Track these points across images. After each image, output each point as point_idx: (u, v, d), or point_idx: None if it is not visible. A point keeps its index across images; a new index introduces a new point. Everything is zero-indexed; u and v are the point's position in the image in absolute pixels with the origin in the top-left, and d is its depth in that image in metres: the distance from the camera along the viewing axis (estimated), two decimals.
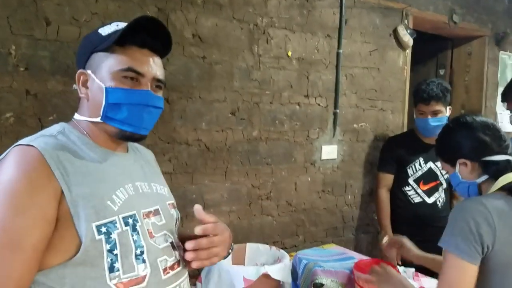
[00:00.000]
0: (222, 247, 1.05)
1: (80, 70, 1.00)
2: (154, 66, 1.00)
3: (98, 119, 0.97)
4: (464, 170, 1.34)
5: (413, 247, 1.72)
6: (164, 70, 1.05)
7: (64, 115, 1.64)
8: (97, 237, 0.86)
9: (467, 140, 1.33)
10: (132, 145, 1.15)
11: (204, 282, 1.74)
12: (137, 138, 1.02)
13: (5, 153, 0.89)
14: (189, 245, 0.97)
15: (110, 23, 1.01)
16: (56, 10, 1.65)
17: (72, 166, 0.88)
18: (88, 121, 0.99)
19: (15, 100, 1.60)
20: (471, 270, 1.17)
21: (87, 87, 0.99)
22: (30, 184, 0.83)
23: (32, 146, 0.87)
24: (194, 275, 1.91)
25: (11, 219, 0.81)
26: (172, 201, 1.13)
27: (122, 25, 0.99)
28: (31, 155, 0.86)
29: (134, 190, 0.98)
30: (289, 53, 2.32)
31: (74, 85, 1.03)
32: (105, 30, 0.99)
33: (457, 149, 1.35)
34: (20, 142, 0.89)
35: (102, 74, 0.96)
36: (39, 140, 0.89)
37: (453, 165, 1.36)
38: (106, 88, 0.95)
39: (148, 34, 0.98)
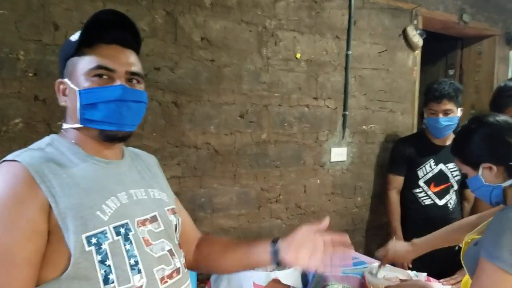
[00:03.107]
0: None
1: (58, 80, 1.00)
2: (126, 60, 0.97)
3: (79, 124, 0.96)
4: (488, 174, 1.27)
5: (406, 249, 1.67)
6: (140, 63, 1.01)
7: None
8: (87, 248, 0.84)
9: (493, 143, 1.26)
10: (130, 150, 1.13)
11: (213, 287, 1.73)
12: (122, 137, 0.99)
13: None
14: None
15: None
16: (64, 15, 1.65)
17: (57, 178, 0.87)
18: (73, 128, 0.98)
19: (23, 106, 1.60)
20: (510, 282, 1.13)
21: (66, 95, 0.98)
22: (17, 199, 0.82)
23: (16, 161, 0.86)
24: (203, 280, 1.91)
25: (2, 234, 0.80)
26: (172, 206, 1.10)
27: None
28: (15, 170, 0.85)
29: (128, 198, 0.96)
30: (298, 55, 2.30)
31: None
32: (74, 36, 0.98)
33: (481, 152, 1.28)
34: (6, 158, 0.88)
35: (76, 78, 0.95)
36: (24, 154, 0.88)
37: (475, 168, 1.29)
38: (79, 91, 0.94)
39: (116, 29, 0.96)
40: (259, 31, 2.15)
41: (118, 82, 0.95)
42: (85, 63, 0.94)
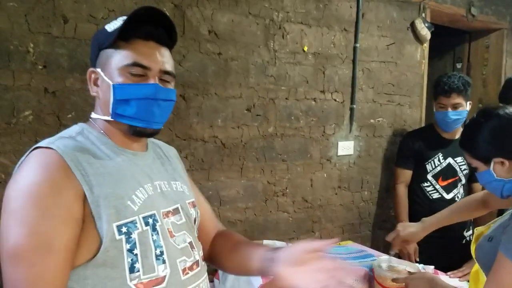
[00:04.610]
0: None
1: (90, 69, 0.99)
2: (161, 58, 0.97)
3: (109, 117, 0.96)
4: (500, 169, 1.25)
5: (416, 228, 1.67)
6: (173, 61, 1.03)
7: (83, 112, 1.64)
8: (118, 237, 0.85)
9: (503, 136, 1.23)
10: (153, 142, 1.14)
11: (221, 279, 1.74)
12: (150, 133, 1.01)
13: (24, 155, 0.89)
14: None
15: (116, 18, 0.99)
16: (73, 7, 1.65)
17: (91, 167, 0.88)
18: (103, 119, 0.98)
19: (33, 98, 1.60)
20: None
21: (98, 86, 0.98)
22: (54, 186, 0.83)
23: (51, 148, 0.86)
24: (211, 272, 1.91)
25: (40, 222, 0.81)
26: (193, 199, 1.12)
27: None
28: (51, 158, 0.85)
29: (153, 190, 0.97)
30: (305, 48, 2.29)
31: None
32: (111, 26, 0.97)
33: (491, 146, 1.25)
34: (39, 144, 0.89)
35: (110, 71, 0.95)
36: (58, 142, 0.89)
37: (486, 163, 1.27)
38: (113, 85, 0.94)
39: (152, 25, 0.96)
40: (266, 24, 2.15)
41: (151, 80, 0.95)
42: (121, 58, 0.94)
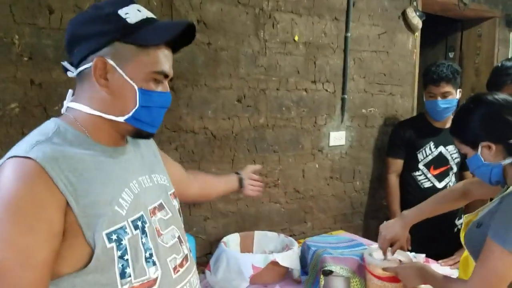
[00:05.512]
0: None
1: (98, 57, 0.88)
2: (171, 65, 0.97)
3: (121, 119, 0.92)
4: (487, 153, 1.26)
5: (400, 226, 1.65)
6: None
7: None
8: (108, 245, 0.83)
9: (491, 121, 1.25)
10: None
11: (213, 270, 1.74)
12: (148, 136, 1.00)
13: None
14: None
15: (127, 4, 0.92)
16: None
17: (74, 175, 0.83)
18: (94, 115, 0.92)
19: (19, 90, 1.58)
20: None
21: (106, 79, 0.90)
22: (34, 200, 0.79)
23: (29, 158, 0.80)
24: (203, 263, 1.92)
25: (19, 237, 0.77)
26: (173, 190, 1.10)
27: (143, 10, 0.93)
28: (30, 169, 0.79)
29: (139, 187, 0.95)
30: (296, 38, 2.28)
31: (71, 72, 0.96)
32: (129, 16, 0.89)
33: (479, 131, 1.26)
34: (15, 153, 0.82)
35: (131, 71, 0.90)
36: (36, 150, 0.82)
37: (474, 147, 1.28)
38: (140, 90, 0.90)
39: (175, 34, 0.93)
40: (256, 13, 2.13)
41: (166, 89, 0.96)
42: (150, 62, 0.91)
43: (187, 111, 1.97)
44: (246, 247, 1.97)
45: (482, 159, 1.28)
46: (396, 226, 1.63)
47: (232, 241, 1.92)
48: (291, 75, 2.29)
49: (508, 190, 1.22)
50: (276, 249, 1.93)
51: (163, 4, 1.85)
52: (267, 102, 2.23)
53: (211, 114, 2.04)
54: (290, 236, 2.11)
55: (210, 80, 2.02)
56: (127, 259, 0.86)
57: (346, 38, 2.46)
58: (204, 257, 2.08)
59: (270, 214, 2.33)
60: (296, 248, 1.82)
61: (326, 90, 2.45)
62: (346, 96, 2.51)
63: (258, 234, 2.00)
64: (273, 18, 2.19)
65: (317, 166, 2.49)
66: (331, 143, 2.52)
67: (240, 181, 1.66)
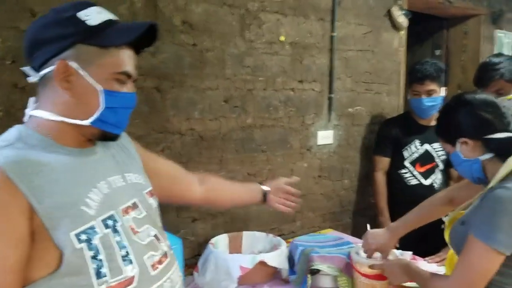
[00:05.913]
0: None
1: (61, 60, 0.87)
2: (135, 66, 0.97)
3: (86, 123, 0.91)
4: (465, 149, 1.29)
5: (386, 238, 1.65)
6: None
7: None
8: (78, 246, 0.82)
9: (467, 118, 1.28)
10: None
11: (201, 271, 1.75)
12: (115, 138, 0.99)
13: None
14: None
15: (87, 6, 0.92)
16: (41, 1, 1.61)
17: (38, 177, 0.82)
18: (57, 121, 0.90)
19: (3, 94, 1.57)
20: (501, 259, 1.17)
21: (68, 82, 0.89)
22: None
23: None
24: (191, 265, 1.92)
25: None
26: (150, 188, 1.09)
27: (104, 12, 0.94)
28: None
29: (109, 187, 0.94)
30: (282, 38, 2.28)
31: (31, 77, 0.94)
32: (90, 18, 0.89)
33: (457, 128, 1.30)
34: None
35: (95, 72, 0.89)
36: None
37: (454, 144, 1.32)
38: (104, 91, 0.90)
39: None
40: (242, 13, 2.13)
41: (131, 89, 0.96)
42: (112, 63, 0.91)
43: (174, 113, 1.97)
44: (235, 248, 1.98)
45: (462, 155, 1.31)
46: (384, 237, 1.65)
47: (221, 242, 1.93)
48: (278, 75, 2.30)
49: (488, 187, 1.24)
50: (264, 249, 1.94)
51: (147, 6, 1.84)
52: (254, 102, 2.23)
53: (198, 115, 2.04)
54: (280, 235, 2.12)
55: (197, 81, 2.02)
56: (101, 259, 0.86)
57: (332, 37, 2.47)
58: (193, 258, 2.08)
59: (259, 214, 2.34)
60: (284, 248, 1.83)
61: (313, 90, 2.46)
62: (333, 95, 2.52)
63: (246, 235, 2.01)
64: (258, 19, 2.19)
65: (305, 165, 2.50)
66: (319, 142, 2.53)
67: (264, 193, 1.58)
